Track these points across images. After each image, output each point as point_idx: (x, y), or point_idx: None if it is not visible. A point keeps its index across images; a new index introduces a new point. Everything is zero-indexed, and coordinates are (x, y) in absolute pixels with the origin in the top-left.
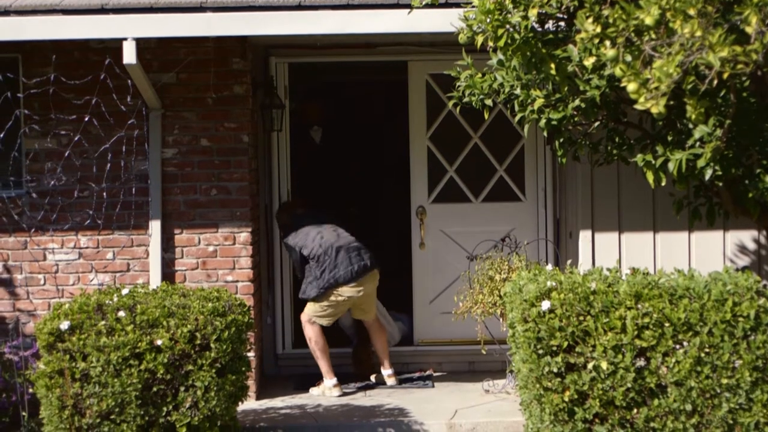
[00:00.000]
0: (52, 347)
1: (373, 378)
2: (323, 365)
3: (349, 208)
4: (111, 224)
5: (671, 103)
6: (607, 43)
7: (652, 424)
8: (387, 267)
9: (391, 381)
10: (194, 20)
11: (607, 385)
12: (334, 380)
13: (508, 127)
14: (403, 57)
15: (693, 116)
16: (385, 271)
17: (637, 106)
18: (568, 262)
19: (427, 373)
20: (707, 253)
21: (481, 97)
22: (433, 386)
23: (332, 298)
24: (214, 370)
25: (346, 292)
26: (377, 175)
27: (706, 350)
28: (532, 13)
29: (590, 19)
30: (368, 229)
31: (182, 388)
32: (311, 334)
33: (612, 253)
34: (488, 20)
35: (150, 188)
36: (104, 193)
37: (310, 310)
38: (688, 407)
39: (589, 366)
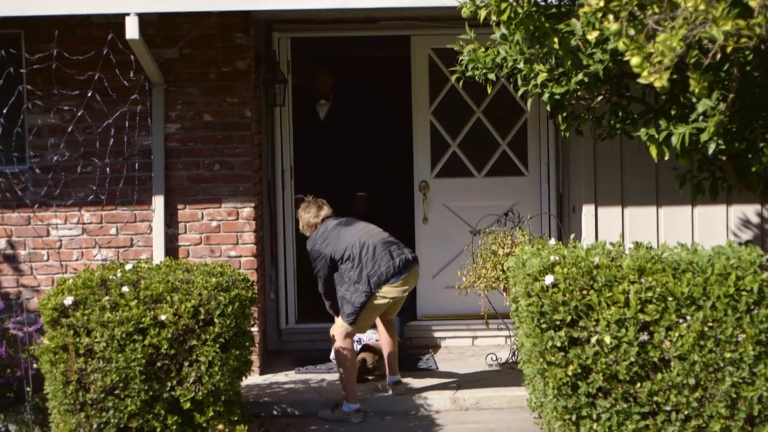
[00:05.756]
0: (56, 322)
1: (379, 385)
2: (349, 389)
3: (356, 192)
4: (114, 200)
5: (674, 77)
6: (611, 16)
7: (655, 398)
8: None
9: (397, 390)
10: None
11: (610, 359)
12: (357, 405)
13: (511, 102)
14: (405, 32)
15: (696, 90)
16: None
17: (641, 80)
18: (572, 236)
19: (427, 356)
20: (710, 228)
21: (484, 71)
22: (436, 368)
23: (374, 301)
24: (217, 345)
25: (390, 292)
26: (380, 151)
27: (710, 324)
28: None
29: None
30: (373, 206)
31: (186, 363)
32: (345, 347)
33: (615, 227)
34: None
35: (153, 163)
36: (107, 169)
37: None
38: (692, 381)
39: (593, 340)
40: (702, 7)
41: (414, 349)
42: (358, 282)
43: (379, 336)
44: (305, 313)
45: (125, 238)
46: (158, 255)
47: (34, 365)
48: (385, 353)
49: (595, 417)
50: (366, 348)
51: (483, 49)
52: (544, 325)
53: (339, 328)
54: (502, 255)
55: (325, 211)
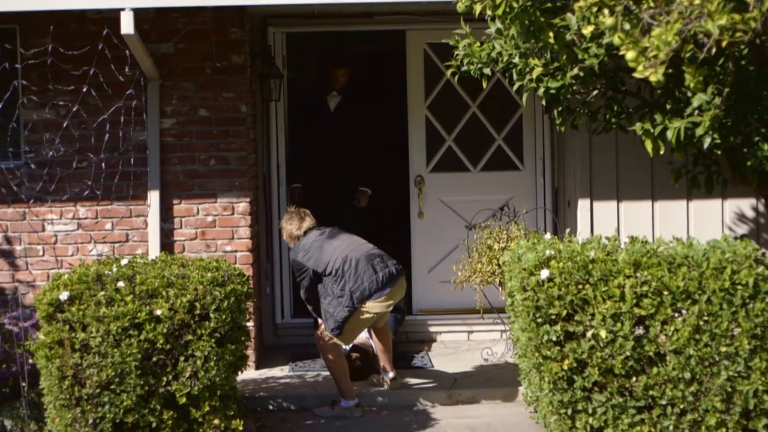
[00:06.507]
0: (51, 318)
1: (374, 379)
2: (343, 385)
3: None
4: (110, 195)
5: (670, 71)
6: (606, 11)
7: (651, 392)
8: (385, 237)
9: (393, 384)
10: None
11: (606, 353)
12: (356, 400)
13: (507, 96)
14: (401, 26)
15: (692, 84)
16: (384, 242)
17: (636, 75)
18: (567, 230)
19: (422, 353)
20: (706, 222)
21: (480, 66)
22: (432, 366)
23: (359, 316)
24: (213, 340)
25: (374, 308)
26: (375, 145)
27: (705, 318)
28: None
29: None
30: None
31: (182, 358)
32: (322, 335)
33: (610, 221)
34: None
35: (148, 158)
36: (103, 164)
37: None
38: (687, 375)
39: (588, 334)
40: (697, 1)
41: (410, 343)
42: (341, 296)
43: (373, 342)
44: (301, 308)
45: (121, 233)
46: (154, 250)
47: (30, 360)
48: (381, 358)
49: (590, 411)
50: (354, 348)
51: (478, 44)
52: (539, 320)
53: (324, 334)
54: (498, 249)
55: (308, 222)
